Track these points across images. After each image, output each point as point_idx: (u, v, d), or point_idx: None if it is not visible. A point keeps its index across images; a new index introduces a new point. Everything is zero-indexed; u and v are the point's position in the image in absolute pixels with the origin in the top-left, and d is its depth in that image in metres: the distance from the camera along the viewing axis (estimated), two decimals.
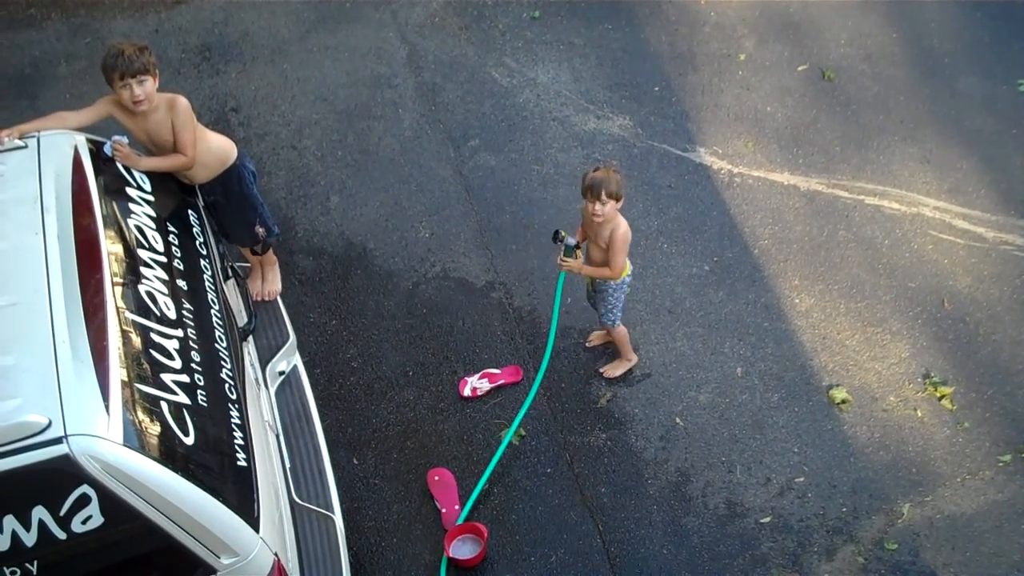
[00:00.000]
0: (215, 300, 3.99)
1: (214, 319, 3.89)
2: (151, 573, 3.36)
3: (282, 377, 4.70)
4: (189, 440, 3.31)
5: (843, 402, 5.10)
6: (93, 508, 3.04)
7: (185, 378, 3.48)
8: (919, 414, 5.07)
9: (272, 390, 4.62)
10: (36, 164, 3.79)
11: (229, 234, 4.86)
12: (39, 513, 3.03)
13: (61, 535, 3.06)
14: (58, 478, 2.98)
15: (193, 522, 3.18)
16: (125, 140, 4.14)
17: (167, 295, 3.68)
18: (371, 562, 4.67)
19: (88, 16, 6.97)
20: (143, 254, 3.75)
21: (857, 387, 5.16)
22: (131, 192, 4.03)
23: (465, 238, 5.79)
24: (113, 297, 3.42)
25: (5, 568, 3.09)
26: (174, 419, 3.30)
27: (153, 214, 4.00)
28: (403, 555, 4.69)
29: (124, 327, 3.37)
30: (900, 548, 4.66)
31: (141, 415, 3.20)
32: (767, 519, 4.76)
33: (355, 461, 4.97)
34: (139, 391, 3.25)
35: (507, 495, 4.84)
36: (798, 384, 5.18)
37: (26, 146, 3.89)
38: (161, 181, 4.27)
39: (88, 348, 3.20)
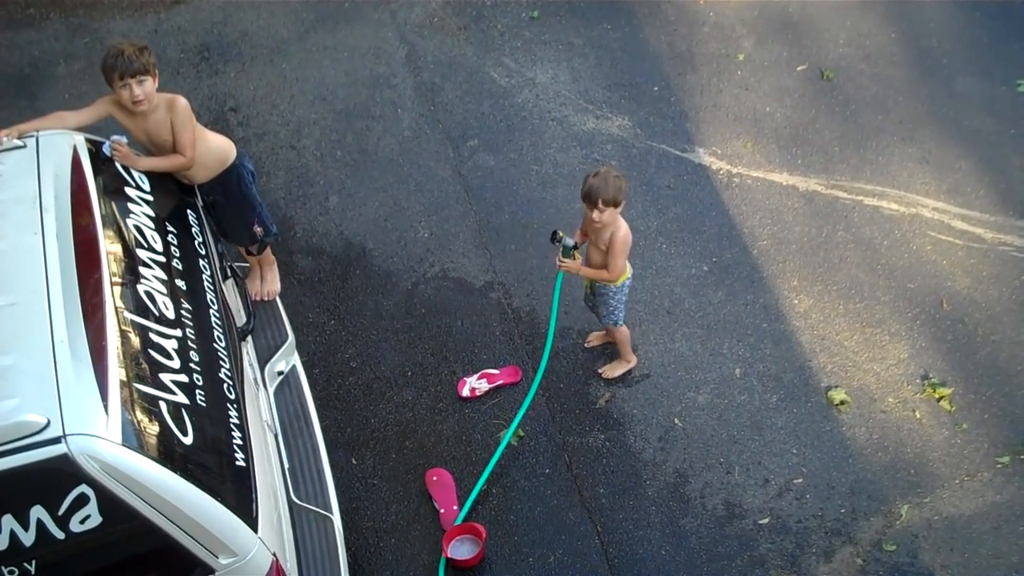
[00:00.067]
0: (214, 300, 3.99)
1: (213, 319, 3.89)
2: (149, 573, 3.35)
3: (281, 377, 4.70)
4: (188, 440, 3.30)
5: (842, 403, 5.10)
6: (91, 508, 3.03)
7: (184, 378, 3.48)
8: (918, 415, 5.07)
9: (271, 390, 4.62)
10: (35, 164, 3.79)
11: (228, 234, 4.86)
12: (37, 513, 3.03)
13: (59, 535, 3.06)
14: (56, 478, 2.98)
15: (191, 522, 3.18)
16: (124, 140, 4.14)
17: (166, 295, 3.68)
18: (369, 562, 4.67)
19: (87, 16, 6.97)
20: (142, 254, 3.75)
21: (856, 388, 5.16)
22: (130, 192, 4.03)
23: (464, 238, 5.79)
24: (112, 297, 3.42)
25: (4, 568, 3.09)
26: (173, 419, 3.30)
27: (152, 214, 4.00)
28: (401, 555, 4.69)
29: (123, 327, 3.37)
30: (898, 549, 4.66)
31: (140, 415, 3.20)
32: (765, 520, 4.76)
33: (354, 461, 4.97)
34: (138, 391, 3.25)
35: (506, 495, 4.84)
36: (797, 385, 5.18)
37: (25, 146, 3.89)
38: (160, 181, 4.27)
39: (87, 348, 3.20)
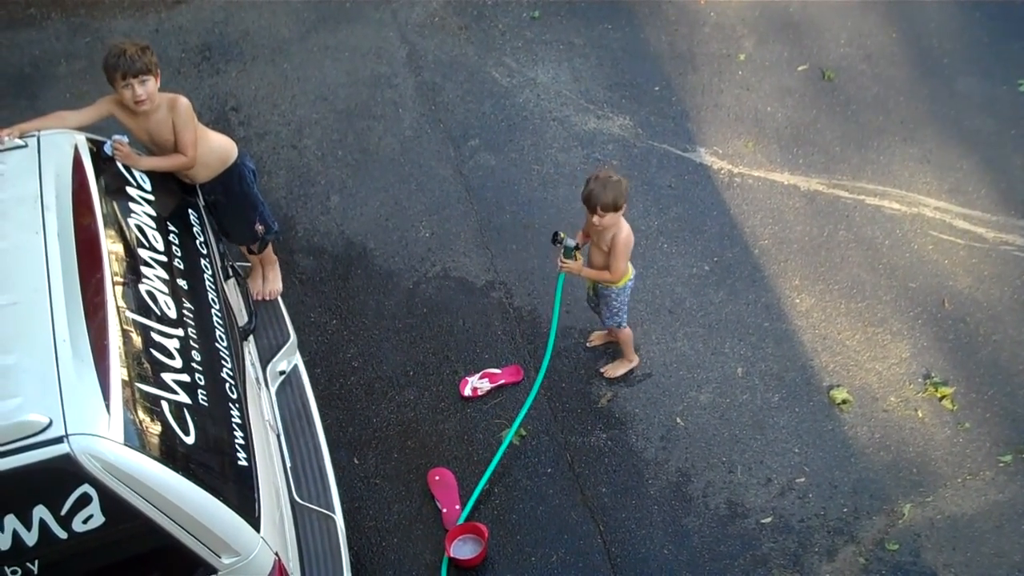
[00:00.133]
0: (215, 299, 3.99)
1: (214, 318, 3.89)
2: (152, 572, 3.35)
3: (283, 376, 4.70)
4: (190, 439, 3.30)
5: (844, 402, 5.10)
6: (94, 507, 3.03)
7: (186, 377, 3.48)
8: (920, 414, 5.07)
9: (273, 389, 4.62)
10: (36, 163, 3.79)
11: (229, 233, 4.86)
12: (40, 512, 3.03)
13: (62, 534, 3.06)
14: (59, 477, 2.98)
15: (194, 521, 3.18)
16: (125, 139, 4.14)
17: (167, 294, 3.68)
18: (372, 562, 4.66)
19: (88, 16, 6.97)
20: (143, 253, 3.75)
21: (858, 387, 5.16)
22: (131, 191, 4.03)
23: (465, 238, 5.79)
24: (113, 296, 3.42)
25: (6, 567, 3.08)
26: (175, 418, 3.30)
27: (153, 213, 3.99)
28: (404, 555, 4.69)
29: (124, 326, 3.37)
30: (901, 548, 4.66)
31: (142, 414, 3.20)
32: (768, 519, 4.76)
33: (356, 461, 4.96)
34: (140, 390, 3.25)
35: (508, 495, 4.84)
36: (799, 384, 5.18)
37: (26, 145, 3.89)
38: (161, 180, 4.27)
39: (89, 347, 3.20)
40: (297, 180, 6.07)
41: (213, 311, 3.91)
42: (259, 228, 4.89)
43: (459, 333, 5.41)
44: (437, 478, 4.87)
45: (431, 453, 4.98)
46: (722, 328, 5.39)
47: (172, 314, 3.63)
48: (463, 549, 4.64)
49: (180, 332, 3.61)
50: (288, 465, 4.34)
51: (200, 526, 3.19)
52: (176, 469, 3.16)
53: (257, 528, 3.40)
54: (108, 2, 7.04)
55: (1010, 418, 5.04)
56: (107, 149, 4.09)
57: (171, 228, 4.04)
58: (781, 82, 6.52)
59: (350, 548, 4.31)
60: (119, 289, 3.48)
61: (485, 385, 5.17)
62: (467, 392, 5.15)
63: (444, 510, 4.77)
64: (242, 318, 4.50)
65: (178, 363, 3.49)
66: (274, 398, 4.59)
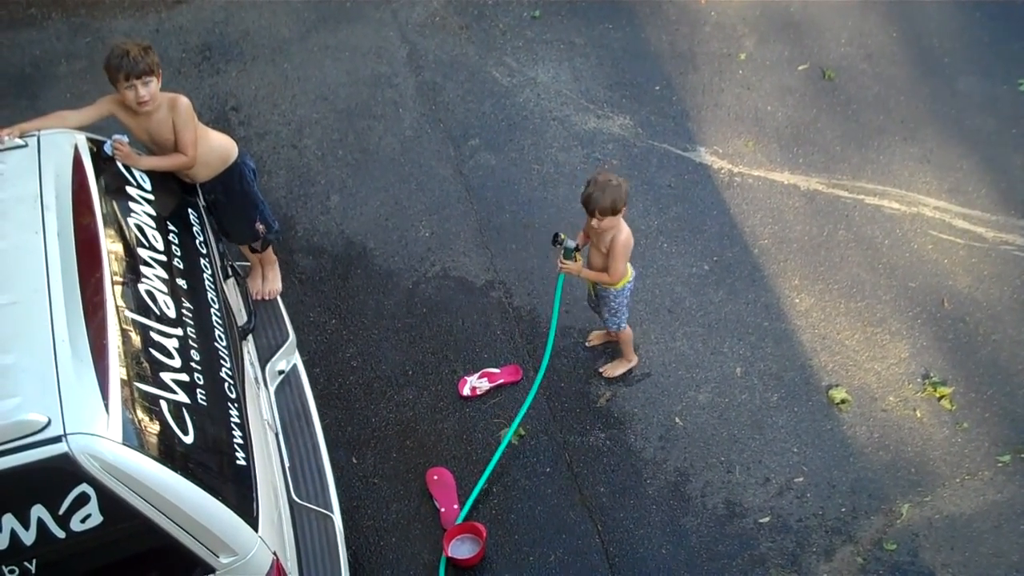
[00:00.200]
0: (215, 299, 3.99)
1: (214, 318, 3.90)
2: (150, 572, 3.36)
3: (281, 376, 4.70)
4: (188, 439, 3.31)
5: (842, 402, 5.10)
6: (92, 507, 3.04)
7: (185, 377, 3.48)
8: (918, 414, 5.07)
9: (271, 389, 4.62)
10: (36, 163, 3.80)
11: (229, 233, 4.86)
12: (38, 512, 3.03)
13: (60, 534, 3.07)
14: (57, 477, 2.99)
15: (192, 521, 3.18)
16: (125, 139, 4.14)
17: (167, 294, 3.68)
18: (370, 561, 4.67)
19: (88, 15, 6.97)
20: (143, 253, 3.75)
21: (856, 387, 5.16)
22: (131, 191, 4.03)
23: (465, 237, 5.80)
24: (113, 296, 3.42)
25: (4, 567, 3.09)
26: (173, 418, 3.31)
27: (153, 213, 4.00)
28: (402, 554, 4.69)
29: (124, 326, 3.38)
30: (899, 548, 4.66)
31: (140, 414, 3.21)
32: (766, 519, 4.76)
33: (354, 460, 4.97)
34: (138, 390, 3.26)
35: (506, 494, 4.85)
36: (797, 384, 5.18)
37: (26, 145, 3.90)
38: (161, 180, 4.28)
39: (88, 347, 3.20)
40: (297, 180, 6.08)
41: (212, 311, 3.92)
42: (260, 227, 4.89)
43: (458, 333, 5.41)
44: (436, 477, 4.87)
45: (430, 452, 4.98)
46: (721, 328, 5.39)
47: (171, 314, 3.64)
48: (461, 548, 4.65)
49: (179, 332, 3.61)
50: (287, 464, 4.34)
51: (198, 525, 3.20)
52: (175, 468, 3.16)
53: (255, 527, 3.41)
54: (109, 2, 7.05)
55: (1009, 418, 5.04)
56: (107, 149, 4.10)
57: (171, 228, 4.05)
58: (781, 81, 6.52)
59: (348, 548, 4.32)
60: (118, 289, 3.48)
61: (484, 385, 5.18)
62: (466, 392, 5.16)
63: (442, 509, 4.77)
64: (241, 318, 4.51)
65: (177, 363, 3.50)
66: (273, 398, 4.60)
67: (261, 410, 4.21)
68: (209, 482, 3.30)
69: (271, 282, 5.13)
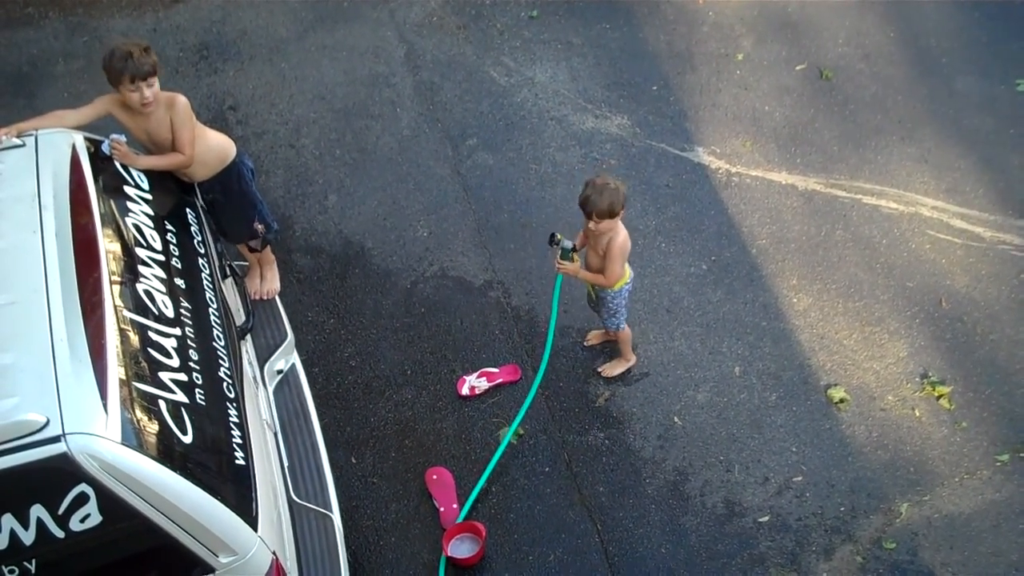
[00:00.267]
0: (213, 299, 3.99)
1: (212, 318, 3.89)
2: (149, 572, 3.36)
3: (280, 376, 4.70)
4: (187, 439, 3.30)
5: (841, 401, 5.10)
6: (91, 507, 3.04)
7: (183, 377, 3.48)
8: (917, 413, 5.08)
9: (270, 389, 4.62)
10: (34, 163, 3.79)
11: (227, 233, 4.85)
12: (37, 512, 3.03)
13: (59, 534, 3.06)
14: (56, 477, 2.98)
15: (191, 521, 3.18)
16: (123, 139, 4.13)
17: (165, 294, 3.67)
18: (369, 561, 4.67)
19: (86, 15, 6.96)
20: (141, 252, 3.75)
21: (855, 386, 5.17)
22: (129, 191, 4.03)
23: (463, 237, 5.79)
24: (111, 295, 3.41)
25: (4, 567, 3.09)
26: (172, 418, 3.30)
27: (151, 212, 3.99)
28: (401, 554, 4.69)
29: (122, 325, 3.37)
30: (898, 547, 4.66)
31: (139, 414, 3.20)
32: (765, 518, 4.76)
33: (353, 460, 4.97)
34: (137, 389, 3.25)
35: (505, 494, 4.84)
36: (796, 383, 5.19)
37: (24, 145, 3.89)
38: (159, 180, 4.27)
39: (86, 346, 3.20)
40: (295, 179, 6.07)
41: (211, 310, 3.91)
42: (258, 227, 4.89)
43: (457, 332, 5.41)
44: (435, 477, 4.87)
45: (429, 452, 4.98)
46: (720, 327, 5.40)
47: (170, 313, 3.63)
48: (461, 548, 4.65)
49: (178, 331, 3.61)
50: (286, 464, 4.34)
51: (198, 525, 3.19)
52: (173, 468, 3.16)
53: (255, 527, 3.40)
54: (106, 1, 7.04)
55: (1007, 417, 5.05)
56: (105, 148, 4.09)
57: (169, 227, 4.04)
58: (779, 81, 6.52)
59: (348, 547, 4.31)
60: (116, 288, 3.48)
61: (483, 384, 5.18)
62: (465, 391, 5.16)
63: (442, 509, 4.77)
64: (240, 317, 4.50)
65: (176, 362, 3.49)
66: (272, 397, 4.59)
67: (260, 410, 4.21)
68: (208, 482, 3.29)
69: (269, 282, 5.12)
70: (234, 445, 3.54)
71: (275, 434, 4.42)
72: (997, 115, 6.31)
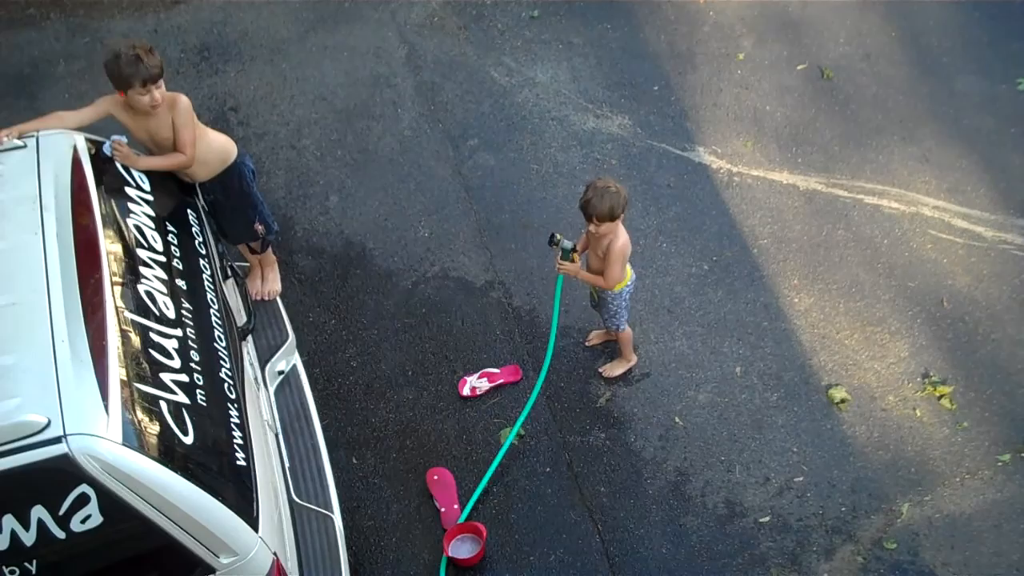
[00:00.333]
0: (214, 300, 3.99)
1: (213, 318, 3.89)
2: (150, 572, 3.36)
3: (281, 376, 4.70)
4: (188, 439, 3.31)
5: (842, 401, 5.10)
6: (92, 507, 3.04)
7: (184, 377, 3.48)
8: (918, 413, 5.07)
9: (271, 389, 4.62)
10: (35, 164, 3.79)
11: (228, 234, 4.86)
12: (38, 512, 3.03)
13: (60, 534, 3.07)
14: (57, 477, 2.99)
15: (192, 521, 3.18)
16: (124, 140, 4.14)
17: (166, 294, 3.68)
18: (370, 561, 4.67)
19: (87, 16, 6.97)
20: (142, 253, 3.75)
21: (856, 386, 5.16)
22: (130, 192, 4.03)
23: (464, 237, 5.79)
24: (112, 296, 3.42)
25: (4, 567, 3.09)
26: (173, 418, 3.30)
27: (152, 213, 4.00)
28: (402, 554, 4.69)
29: (123, 326, 3.37)
30: (899, 547, 4.66)
31: (140, 414, 3.20)
32: (766, 518, 4.76)
33: (354, 460, 4.97)
34: (138, 390, 3.25)
35: (506, 494, 4.84)
36: (797, 383, 5.18)
37: (25, 146, 3.89)
38: (160, 181, 4.27)
39: (87, 347, 3.20)
40: (296, 180, 6.08)
41: (212, 311, 3.92)
42: (259, 228, 4.89)
43: (458, 333, 5.41)
44: (436, 478, 4.87)
45: (430, 453, 4.98)
46: (721, 327, 5.39)
47: (171, 314, 3.64)
48: (461, 548, 4.65)
49: (179, 332, 3.61)
50: (287, 465, 4.34)
51: (198, 526, 3.20)
52: (174, 469, 3.16)
53: (255, 528, 3.41)
54: (107, 2, 7.04)
55: (1009, 417, 5.04)
56: (106, 149, 4.09)
57: (170, 228, 4.04)
58: (780, 81, 6.52)
59: (349, 548, 4.32)
60: (118, 289, 3.48)
61: (484, 385, 5.18)
62: (466, 392, 5.16)
63: (443, 509, 4.77)
64: (241, 318, 4.51)
65: (177, 363, 3.50)
66: (273, 398, 4.60)
67: (261, 410, 4.21)
68: (209, 482, 3.30)
69: (270, 283, 5.12)
70: (235, 446, 3.54)
71: (276, 435, 4.42)
72: (998, 114, 6.30)
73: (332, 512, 4.26)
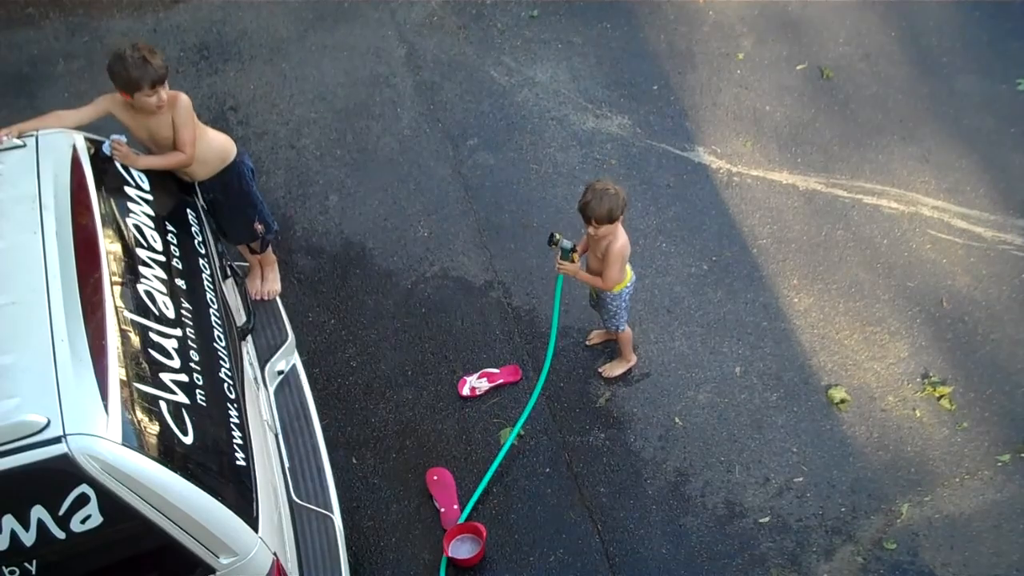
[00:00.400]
0: (214, 299, 3.99)
1: (213, 318, 3.89)
2: (150, 573, 3.36)
3: (281, 376, 4.70)
4: (188, 439, 3.30)
5: (842, 402, 5.10)
6: (92, 508, 3.04)
7: (184, 377, 3.48)
8: (918, 414, 5.07)
9: (271, 389, 4.62)
10: (34, 163, 3.79)
11: (228, 233, 4.85)
12: (38, 513, 3.03)
13: (60, 535, 3.06)
14: (57, 477, 2.98)
15: (192, 521, 3.18)
16: (123, 139, 4.13)
17: (166, 294, 3.67)
18: (370, 561, 4.67)
19: (86, 15, 6.96)
20: (142, 253, 3.75)
21: (856, 387, 5.16)
22: (130, 191, 4.03)
23: (464, 237, 5.79)
24: (112, 296, 3.42)
25: (4, 568, 3.09)
26: (173, 418, 3.30)
27: (152, 213, 3.99)
28: (402, 555, 4.69)
29: (123, 326, 3.37)
30: (899, 548, 4.66)
31: (140, 414, 3.20)
32: (766, 519, 4.76)
33: (354, 460, 4.97)
34: (138, 390, 3.25)
35: (506, 495, 4.84)
36: (797, 384, 5.18)
37: (24, 145, 3.89)
38: (160, 180, 4.27)
39: (87, 347, 3.20)
40: (295, 180, 6.07)
41: (211, 311, 3.91)
42: (258, 227, 4.88)
43: (457, 333, 5.41)
44: (435, 478, 4.87)
45: (429, 453, 4.98)
46: (720, 327, 5.39)
47: (170, 314, 3.63)
48: (461, 549, 4.65)
49: (178, 332, 3.61)
50: (286, 465, 4.34)
51: (198, 526, 3.19)
52: (174, 469, 3.16)
53: (255, 528, 3.40)
54: (106, 1, 7.03)
55: (1008, 417, 5.04)
56: (105, 149, 4.09)
57: (169, 228, 4.04)
58: (780, 81, 6.52)
59: (348, 548, 4.32)
60: (117, 289, 3.48)
61: (484, 385, 5.17)
62: (465, 392, 5.15)
63: (442, 510, 4.77)
64: (240, 318, 4.50)
65: (176, 363, 3.49)
66: (272, 398, 4.59)
67: (261, 410, 4.21)
68: (209, 483, 3.30)
69: (270, 282, 5.12)
70: (235, 446, 3.54)
71: (276, 435, 4.42)
72: (998, 114, 6.30)
73: (332, 512, 4.26)
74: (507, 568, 4.64)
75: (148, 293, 3.60)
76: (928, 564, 4.61)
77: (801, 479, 4.87)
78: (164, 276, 3.75)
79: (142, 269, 3.67)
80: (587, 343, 5.32)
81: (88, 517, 3.05)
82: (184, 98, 4.35)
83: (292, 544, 4.02)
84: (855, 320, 5.41)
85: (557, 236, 4.64)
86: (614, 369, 5.21)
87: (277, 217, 5.54)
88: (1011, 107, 6.33)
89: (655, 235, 5.75)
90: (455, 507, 4.76)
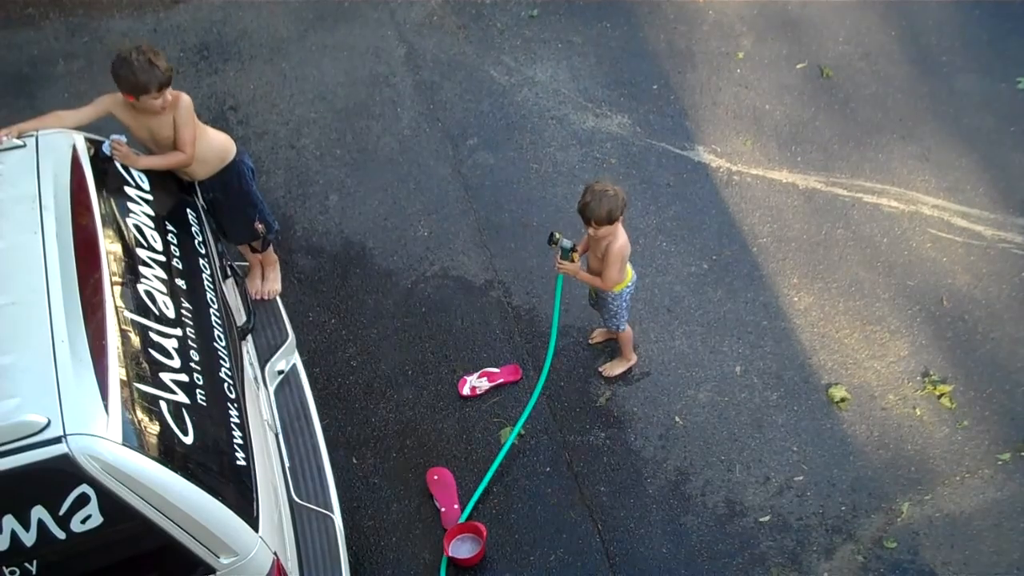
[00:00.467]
0: (214, 299, 3.99)
1: (213, 318, 3.89)
2: (150, 572, 3.36)
3: (281, 376, 4.70)
4: (188, 439, 3.30)
5: (842, 400, 5.10)
6: (92, 508, 3.04)
7: (184, 377, 3.48)
8: (918, 412, 5.07)
9: (271, 389, 4.62)
10: (35, 163, 3.79)
11: (228, 233, 4.85)
12: (38, 513, 3.03)
13: (60, 535, 3.06)
14: (57, 478, 2.98)
15: (192, 521, 3.18)
16: (123, 139, 4.13)
17: (166, 294, 3.67)
18: (370, 561, 4.67)
19: (86, 15, 6.96)
20: (142, 253, 3.75)
21: (856, 385, 5.16)
22: (130, 191, 4.03)
23: (464, 237, 5.79)
24: (112, 296, 3.41)
25: (5, 568, 3.09)
26: (173, 418, 3.30)
27: (152, 213, 3.99)
28: (402, 554, 4.69)
29: (123, 326, 3.37)
30: (899, 546, 4.66)
31: (140, 414, 3.20)
32: (766, 518, 4.76)
33: (354, 460, 4.97)
34: (138, 390, 3.25)
35: (506, 494, 4.84)
36: (797, 382, 5.18)
37: (24, 145, 3.89)
38: (160, 180, 4.27)
39: (87, 347, 3.20)
40: (295, 179, 6.07)
41: (212, 311, 3.91)
42: (259, 227, 4.89)
43: (458, 332, 5.41)
44: (436, 477, 4.87)
45: (430, 452, 4.98)
46: (720, 326, 5.39)
47: (170, 314, 3.63)
48: (462, 548, 4.65)
49: (179, 332, 3.61)
50: (287, 464, 4.34)
51: (198, 526, 3.19)
52: (174, 469, 3.16)
53: (255, 528, 3.40)
54: (106, 2, 7.04)
55: (1009, 416, 5.04)
56: (105, 149, 4.09)
57: (169, 228, 4.04)
58: (780, 80, 6.52)
59: (349, 548, 4.31)
60: (117, 289, 3.48)
61: (484, 384, 5.17)
62: (466, 391, 5.16)
63: (443, 509, 4.77)
64: (241, 318, 4.50)
65: (176, 363, 3.49)
66: (273, 398, 4.59)
67: (261, 410, 4.21)
68: (209, 482, 3.29)
69: (270, 282, 5.12)
70: (235, 446, 3.54)
71: (276, 434, 4.42)
72: (998, 113, 6.30)
73: (332, 512, 4.25)
74: (507, 568, 4.64)
75: (148, 293, 3.60)
76: (928, 563, 4.61)
77: (801, 478, 4.87)
78: (164, 276, 3.75)
79: (142, 269, 3.67)
80: (589, 342, 5.33)
81: (88, 517, 3.05)
82: (185, 98, 4.35)
83: (292, 544, 4.02)
84: (855, 319, 5.41)
85: (557, 235, 4.64)
86: (614, 368, 5.21)
87: (277, 217, 5.54)
88: (1011, 106, 6.33)
89: (655, 234, 5.76)
90: (455, 507, 4.76)
